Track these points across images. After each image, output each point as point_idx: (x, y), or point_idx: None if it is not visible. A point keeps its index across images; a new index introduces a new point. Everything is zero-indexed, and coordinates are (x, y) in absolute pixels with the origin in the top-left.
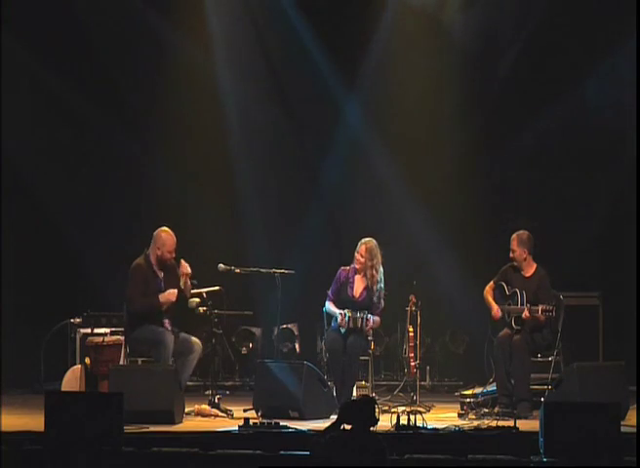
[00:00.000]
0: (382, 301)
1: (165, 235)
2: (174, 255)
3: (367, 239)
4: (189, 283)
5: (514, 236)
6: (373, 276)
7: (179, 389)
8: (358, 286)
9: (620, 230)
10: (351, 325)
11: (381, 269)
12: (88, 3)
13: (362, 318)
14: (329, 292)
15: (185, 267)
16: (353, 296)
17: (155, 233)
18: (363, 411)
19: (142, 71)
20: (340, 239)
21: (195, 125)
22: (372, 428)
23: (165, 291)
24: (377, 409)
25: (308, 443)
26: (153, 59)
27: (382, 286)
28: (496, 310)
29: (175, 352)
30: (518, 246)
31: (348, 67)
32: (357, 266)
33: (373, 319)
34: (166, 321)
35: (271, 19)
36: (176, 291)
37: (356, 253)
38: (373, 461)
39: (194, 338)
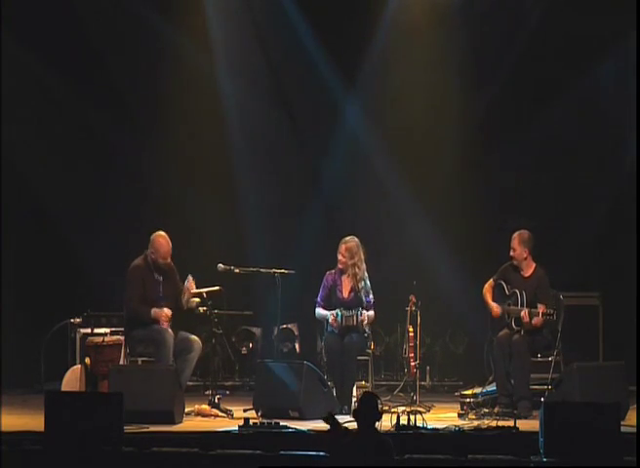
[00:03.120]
0: (371, 296)
1: (160, 240)
2: (168, 260)
3: (347, 238)
4: (191, 299)
5: (515, 235)
6: (356, 274)
7: (179, 389)
8: (345, 286)
9: (621, 230)
10: (344, 323)
11: (364, 266)
12: (88, 3)
13: (354, 315)
14: (317, 299)
15: (192, 284)
16: (343, 298)
17: (152, 237)
18: (366, 408)
19: (142, 71)
20: (339, 239)
21: (195, 125)
22: (376, 423)
23: (163, 295)
24: (379, 405)
25: (308, 443)
26: (153, 60)
27: (367, 282)
28: (495, 308)
29: (175, 351)
30: (519, 245)
31: (348, 67)
32: (340, 266)
33: (367, 314)
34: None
35: (271, 20)
36: (169, 314)
37: (338, 254)
38: (380, 461)
39: (193, 336)
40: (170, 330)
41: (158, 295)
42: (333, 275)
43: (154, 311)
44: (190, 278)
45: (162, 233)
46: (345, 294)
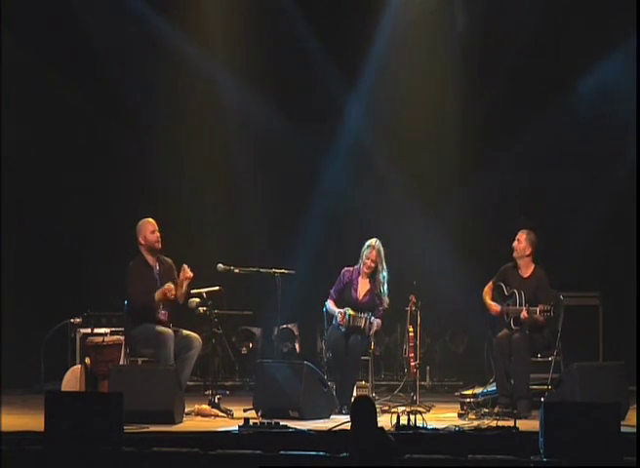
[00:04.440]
0: (385, 305)
1: (141, 222)
2: (158, 235)
3: (373, 242)
4: (187, 288)
5: (525, 230)
6: (381, 279)
7: (179, 389)
8: (362, 288)
9: (621, 230)
10: (351, 323)
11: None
12: (88, 3)
13: (365, 318)
14: (331, 291)
15: (187, 271)
16: (357, 299)
17: (136, 227)
18: (362, 411)
19: (142, 71)
20: (340, 239)
21: (195, 125)
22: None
23: (160, 286)
24: (374, 406)
25: (308, 443)
26: (153, 59)
27: (386, 287)
28: (494, 307)
29: (175, 350)
30: (526, 240)
31: (349, 67)
32: (366, 271)
33: (377, 322)
34: (162, 312)
35: (271, 19)
36: (171, 285)
37: (365, 259)
38: (384, 460)
39: (193, 334)
40: (170, 330)
41: (156, 286)
42: (351, 273)
43: (157, 292)
44: (185, 266)
45: (144, 219)
46: (360, 296)
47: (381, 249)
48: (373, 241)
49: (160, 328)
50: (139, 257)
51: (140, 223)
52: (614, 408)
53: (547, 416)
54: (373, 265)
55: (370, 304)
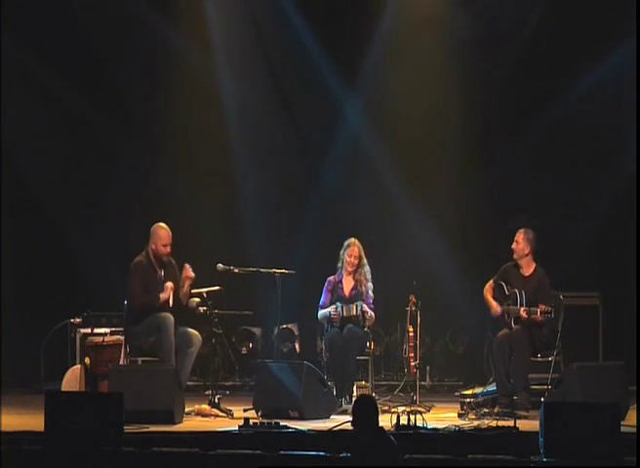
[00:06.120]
0: (372, 299)
1: (159, 229)
2: (169, 250)
3: (353, 241)
4: (188, 288)
5: (522, 230)
6: (363, 274)
7: (179, 389)
8: (347, 285)
9: (620, 230)
10: (345, 314)
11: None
12: (88, 3)
13: (356, 306)
14: (320, 304)
15: (189, 271)
16: (345, 295)
17: (152, 228)
18: (364, 412)
19: (142, 71)
20: (340, 239)
21: (195, 125)
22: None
23: (164, 291)
24: (376, 406)
25: (308, 443)
26: (153, 60)
27: (371, 284)
28: (495, 307)
29: (175, 346)
30: (523, 240)
31: (348, 67)
32: (349, 269)
33: (368, 310)
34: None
35: (271, 20)
36: (171, 284)
37: (348, 258)
38: (386, 460)
39: (193, 331)
40: (169, 314)
41: (159, 291)
42: (335, 278)
43: (161, 295)
44: (187, 265)
45: (160, 223)
46: (347, 292)
47: (361, 247)
48: (352, 240)
49: (158, 313)
50: (145, 256)
51: (156, 229)
52: (614, 408)
53: (547, 416)
54: (355, 261)
55: (358, 297)
